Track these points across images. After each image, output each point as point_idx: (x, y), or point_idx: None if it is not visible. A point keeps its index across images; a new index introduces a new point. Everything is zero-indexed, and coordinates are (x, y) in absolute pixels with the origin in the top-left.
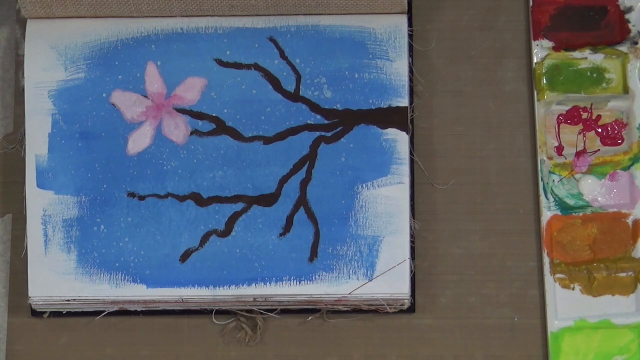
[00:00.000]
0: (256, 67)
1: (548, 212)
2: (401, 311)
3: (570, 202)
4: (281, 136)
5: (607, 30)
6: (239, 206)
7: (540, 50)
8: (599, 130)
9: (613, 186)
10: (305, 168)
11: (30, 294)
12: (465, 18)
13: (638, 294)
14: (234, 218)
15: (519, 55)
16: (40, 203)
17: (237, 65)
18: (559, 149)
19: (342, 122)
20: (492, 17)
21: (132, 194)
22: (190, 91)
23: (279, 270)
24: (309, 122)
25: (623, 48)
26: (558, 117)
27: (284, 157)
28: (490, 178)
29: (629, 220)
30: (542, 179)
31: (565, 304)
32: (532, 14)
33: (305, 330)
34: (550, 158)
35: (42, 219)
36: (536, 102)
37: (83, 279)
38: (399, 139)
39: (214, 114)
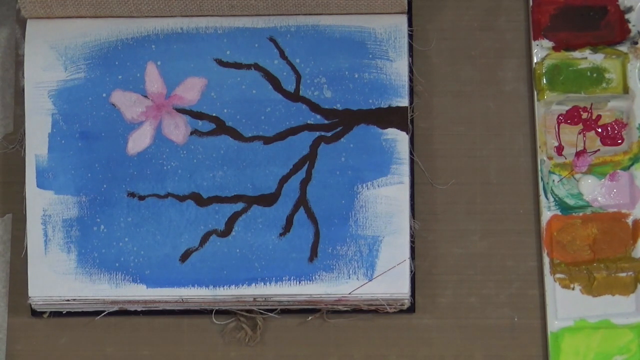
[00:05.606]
0: (256, 67)
1: (548, 212)
2: (401, 311)
3: (570, 202)
4: (281, 136)
5: (607, 30)
6: (239, 206)
7: (540, 50)
8: (599, 130)
9: (613, 186)
10: (305, 168)
11: (30, 294)
12: (465, 18)
13: (638, 294)
14: (234, 218)
15: (519, 55)
16: (40, 203)
17: (237, 65)
18: (559, 149)
19: (342, 122)
20: (492, 17)
21: (132, 194)
22: (190, 91)
23: (279, 270)
24: (309, 122)
25: (623, 48)
26: (558, 117)
27: (284, 157)
28: (490, 178)
29: (629, 220)
30: (542, 179)
31: (565, 304)
32: (532, 14)
33: (305, 330)
34: (550, 158)
35: (42, 219)
36: (536, 102)
37: (83, 279)
38: (399, 139)
39: (214, 114)
